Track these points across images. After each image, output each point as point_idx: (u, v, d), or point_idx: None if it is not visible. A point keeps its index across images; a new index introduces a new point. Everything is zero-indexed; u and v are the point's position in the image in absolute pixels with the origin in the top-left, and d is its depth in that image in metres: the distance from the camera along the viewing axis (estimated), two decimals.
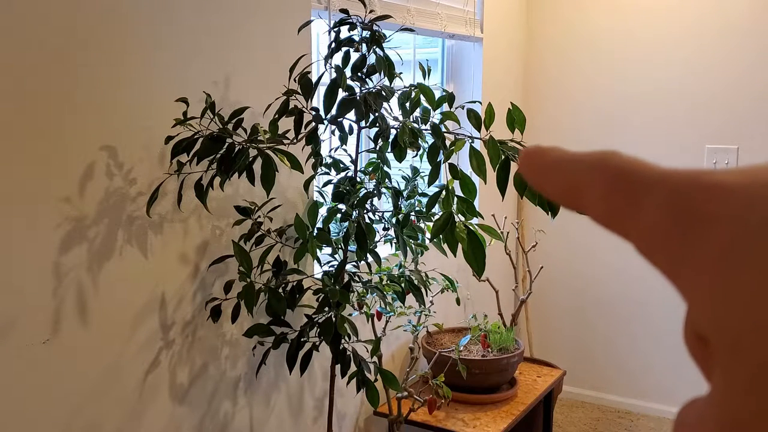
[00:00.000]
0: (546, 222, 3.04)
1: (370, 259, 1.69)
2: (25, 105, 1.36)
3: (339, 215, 1.70)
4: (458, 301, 2.24)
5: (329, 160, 1.82)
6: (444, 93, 1.69)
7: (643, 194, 0.20)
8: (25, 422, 1.40)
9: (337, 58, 1.61)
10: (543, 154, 0.24)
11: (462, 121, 1.69)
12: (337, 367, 1.68)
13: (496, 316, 2.80)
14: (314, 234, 1.71)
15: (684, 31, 3.06)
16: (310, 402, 2.16)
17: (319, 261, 1.77)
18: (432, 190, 1.60)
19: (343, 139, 1.65)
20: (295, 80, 1.58)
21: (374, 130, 1.63)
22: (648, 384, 3.33)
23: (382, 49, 1.58)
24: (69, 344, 1.46)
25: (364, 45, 1.57)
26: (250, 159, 1.51)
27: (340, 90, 1.57)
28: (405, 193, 1.86)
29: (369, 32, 1.57)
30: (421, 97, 1.66)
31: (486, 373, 2.38)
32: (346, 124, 1.63)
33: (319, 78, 1.59)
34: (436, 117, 1.68)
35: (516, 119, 1.58)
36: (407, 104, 1.65)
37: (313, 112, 1.59)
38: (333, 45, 1.60)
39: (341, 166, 1.81)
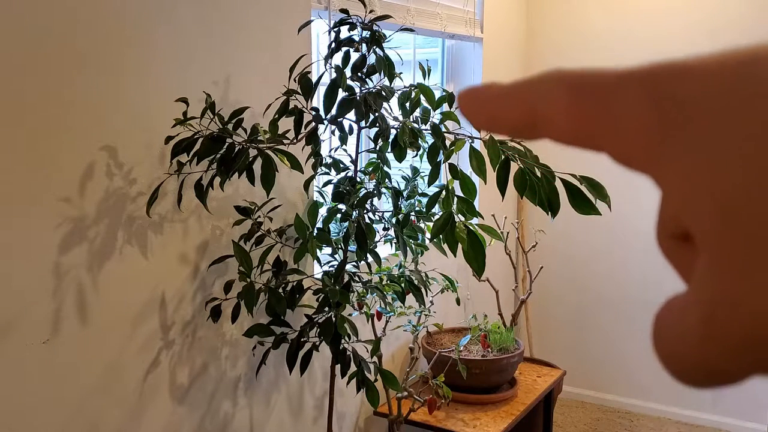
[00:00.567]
0: (546, 222, 3.04)
1: (370, 259, 1.69)
2: (26, 105, 1.36)
3: (339, 215, 1.70)
4: (458, 301, 2.24)
5: (329, 160, 1.82)
6: (444, 93, 1.69)
7: (614, 90, 0.20)
8: (25, 422, 1.40)
9: (337, 58, 1.61)
10: (485, 88, 0.23)
11: (462, 121, 1.68)
12: (337, 367, 1.68)
13: (496, 316, 2.80)
14: (314, 234, 1.71)
15: (684, 31, 3.06)
16: (310, 402, 2.16)
17: (319, 261, 1.77)
18: (432, 190, 1.60)
19: (343, 139, 1.65)
20: (295, 80, 1.58)
21: (374, 130, 1.63)
22: (648, 384, 3.33)
23: (382, 49, 1.58)
24: (69, 344, 1.46)
25: (364, 45, 1.57)
26: (250, 159, 1.51)
27: (340, 90, 1.57)
28: (405, 193, 1.86)
29: (369, 32, 1.57)
30: (421, 97, 1.66)
31: (486, 373, 2.38)
32: (346, 124, 1.63)
33: (319, 78, 1.59)
34: (436, 117, 1.68)
35: None
36: (407, 104, 1.65)
37: (313, 112, 1.59)
38: (333, 45, 1.60)
39: (341, 166, 1.81)
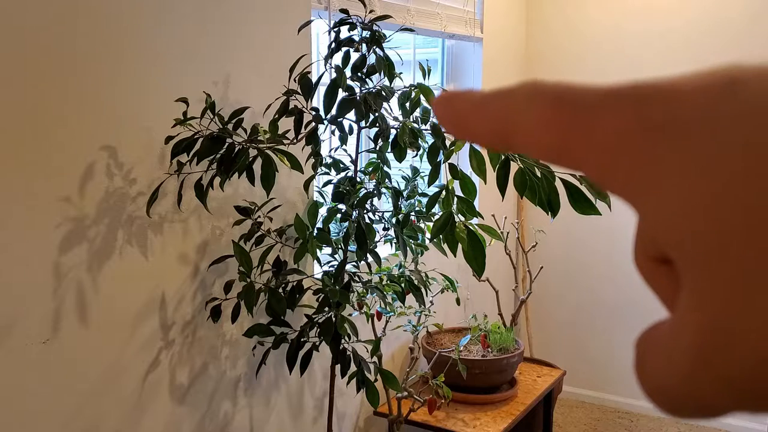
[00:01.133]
0: (546, 222, 3.04)
1: (370, 259, 1.69)
2: (26, 105, 1.36)
3: (339, 215, 1.70)
4: (458, 301, 2.24)
5: (329, 160, 1.82)
6: None
7: (596, 109, 0.19)
8: (25, 422, 1.40)
9: (337, 58, 1.61)
10: (461, 95, 0.22)
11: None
12: (337, 367, 1.68)
13: (496, 316, 2.80)
14: (314, 234, 1.71)
15: (685, 30, 3.06)
16: (310, 402, 2.16)
17: (319, 261, 1.77)
18: (432, 190, 1.60)
19: (343, 139, 1.65)
20: (295, 80, 1.58)
21: (374, 130, 1.63)
22: None
23: (382, 49, 1.58)
24: (69, 344, 1.46)
25: (364, 45, 1.57)
26: (250, 159, 1.51)
27: (340, 90, 1.57)
28: (405, 193, 1.86)
29: (369, 32, 1.57)
30: (421, 97, 1.66)
31: (486, 373, 2.38)
32: (346, 124, 1.63)
33: (319, 78, 1.59)
34: (435, 117, 1.68)
35: None
36: (407, 104, 1.65)
37: (313, 112, 1.59)
38: (333, 45, 1.60)
39: (341, 166, 1.81)
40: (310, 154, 1.63)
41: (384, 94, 1.59)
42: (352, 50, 1.59)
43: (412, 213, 1.78)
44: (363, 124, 1.63)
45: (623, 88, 0.19)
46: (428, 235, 1.72)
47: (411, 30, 1.81)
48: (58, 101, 1.41)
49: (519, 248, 3.32)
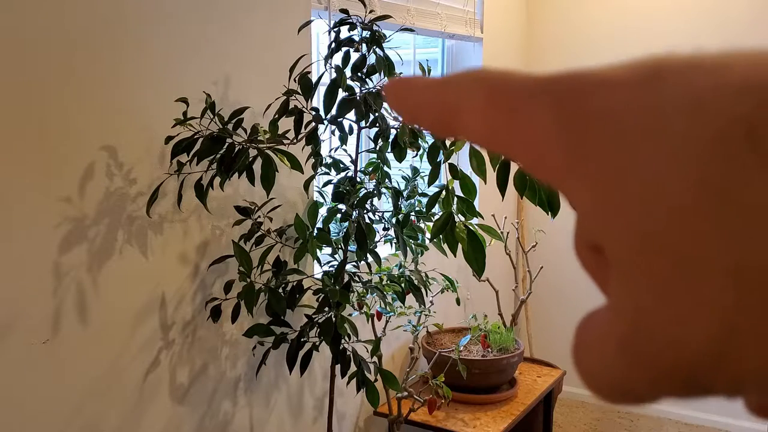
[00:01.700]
0: (546, 222, 3.04)
1: (370, 259, 1.69)
2: (26, 105, 1.36)
3: (339, 215, 1.70)
4: (458, 301, 2.24)
5: (329, 160, 1.82)
6: None
7: (524, 101, 0.19)
8: (25, 422, 1.40)
9: (337, 58, 1.61)
10: (410, 80, 0.22)
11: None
12: (337, 367, 1.68)
13: (496, 316, 2.80)
14: (314, 234, 1.71)
15: (686, 30, 3.06)
16: (310, 402, 2.16)
17: (319, 261, 1.77)
18: (432, 190, 1.60)
19: (343, 139, 1.65)
20: (295, 80, 1.58)
21: (374, 130, 1.63)
22: None
23: (382, 49, 1.58)
24: (69, 344, 1.46)
25: (364, 45, 1.57)
26: (250, 159, 1.51)
27: (340, 90, 1.57)
28: (405, 193, 1.86)
29: (369, 32, 1.57)
30: None
31: (486, 373, 2.38)
32: (346, 124, 1.63)
33: (319, 78, 1.59)
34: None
35: None
36: None
37: (313, 112, 1.59)
38: (333, 45, 1.60)
39: (341, 166, 1.81)
40: (310, 154, 1.63)
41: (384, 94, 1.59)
42: (352, 50, 1.59)
43: (412, 213, 1.78)
44: (363, 124, 1.63)
45: (551, 79, 0.19)
46: (428, 235, 1.72)
47: (411, 30, 1.81)
48: (58, 101, 1.41)
49: (519, 248, 3.32)
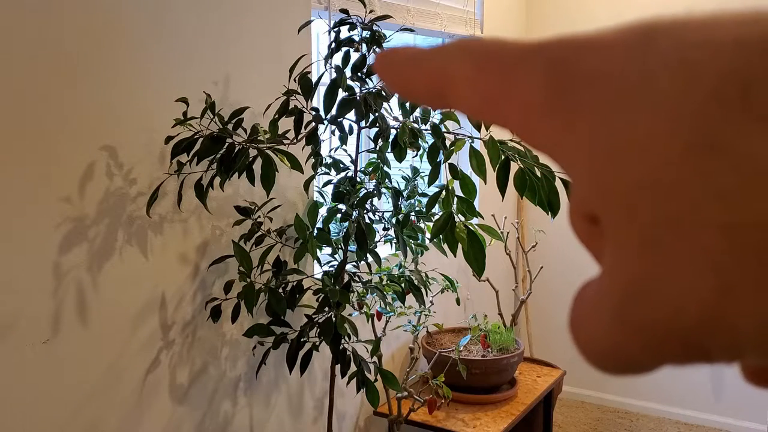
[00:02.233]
0: (546, 222, 3.04)
1: (370, 259, 1.69)
2: (25, 105, 1.36)
3: (339, 215, 1.70)
4: (458, 301, 2.24)
5: (329, 160, 1.82)
6: None
7: (515, 67, 0.19)
8: (24, 422, 1.40)
9: (337, 58, 1.61)
10: (400, 50, 0.22)
11: (462, 121, 1.68)
12: (337, 367, 1.68)
13: (496, 316, 2.80)
14: (314, 234, 1.71)
15: None
16: (310, 402, 2.16)
17: (319, 261, 1.77)
18: (432, 190, 1.60)
19: (343, 139, 1.65)
20: (295, 80, 1.58)
21: (374, 130, 1.63)
22: (648, 384, 3.33)
23: (382, 49, 1.58)
24: (69, 344, 1.46)
25: (364, 45, 1.57)
26: (250, 159, 1.51)
27: (340, 90, 1.57)
28: (405, 193, 1.86)
29: (369, 32, 1.57)
30: None
31: (486, 373, 2.38)
32: (346, 124, 1.63)
33: (319, 78, 1.59)
34: (436, 117, 1.68)
35: None
36: (407, 104, 1.65)
37: (313, 112, 1.59)
38: (333, 45, 1.60)
39: (341, 166, 1.81)
40: (310, 154, 1.63)
41: (384, 94, 1.59)
42: (352, 50, 1.59)
43: (412, 213, 1.78)
44: (363, 124, 1.63)
45: (542, 43, 0.19)
46: (428, 235, 1.72)
47: (411, 30, 1.81)
48: (58, 101, 1.41)
49: (519, 248, 3.32)
